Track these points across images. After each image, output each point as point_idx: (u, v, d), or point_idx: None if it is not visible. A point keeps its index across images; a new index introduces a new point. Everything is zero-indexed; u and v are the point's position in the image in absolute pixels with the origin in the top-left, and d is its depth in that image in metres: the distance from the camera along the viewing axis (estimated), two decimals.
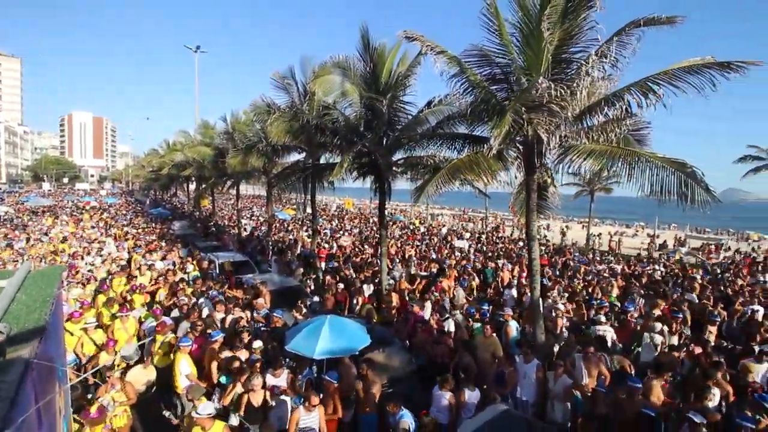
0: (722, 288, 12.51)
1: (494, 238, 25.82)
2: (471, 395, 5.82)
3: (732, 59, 5.26)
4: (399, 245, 19.14)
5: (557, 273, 14.45)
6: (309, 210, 17.16)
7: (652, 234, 36.08)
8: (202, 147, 21.85)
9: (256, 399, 5.44)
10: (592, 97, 6.46)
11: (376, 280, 10.71)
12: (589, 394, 5.78)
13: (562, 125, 6.32)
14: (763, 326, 8.35)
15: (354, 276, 11.53)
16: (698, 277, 15.03)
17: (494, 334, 7.17)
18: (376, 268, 11.24)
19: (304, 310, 8.48)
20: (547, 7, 5.53)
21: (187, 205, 38.86)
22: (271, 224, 20.19)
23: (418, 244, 20.54)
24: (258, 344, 6.61)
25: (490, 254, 18.11)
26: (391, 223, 33.45)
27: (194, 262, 13.43)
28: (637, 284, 12.53)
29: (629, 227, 45.72)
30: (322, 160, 13.28)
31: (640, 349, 8.03)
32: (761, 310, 9.60)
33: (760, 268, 17.37)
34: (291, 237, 21.50)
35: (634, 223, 46.43)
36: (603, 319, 8.45)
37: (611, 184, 24.64)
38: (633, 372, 6.57)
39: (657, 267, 16.71)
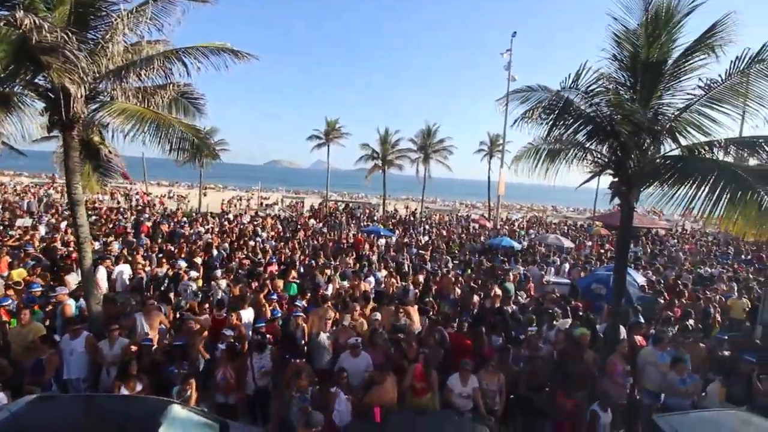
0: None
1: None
2: None
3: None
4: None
5: (160, 239, 14.56)
6: None
7: (263, 196, 42.76)
8: None
9: None
10: (135, 56, 6.39)
11: None
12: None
13: (94, 78, 5.86)
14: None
15: None
16: (279, 226, 19.81)
17: (33, 321, 6.03)
18: None
19: None
20: None
21: None
22: None
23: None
24: None
25: None
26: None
27: None
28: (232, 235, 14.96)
29: (248, 191, 51.77)
30: None
31: None
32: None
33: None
34: None
35: (251, 187, 53.22)
36: (219, 273, 9.43)
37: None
38: None
39: (246, 221, 20.45)
